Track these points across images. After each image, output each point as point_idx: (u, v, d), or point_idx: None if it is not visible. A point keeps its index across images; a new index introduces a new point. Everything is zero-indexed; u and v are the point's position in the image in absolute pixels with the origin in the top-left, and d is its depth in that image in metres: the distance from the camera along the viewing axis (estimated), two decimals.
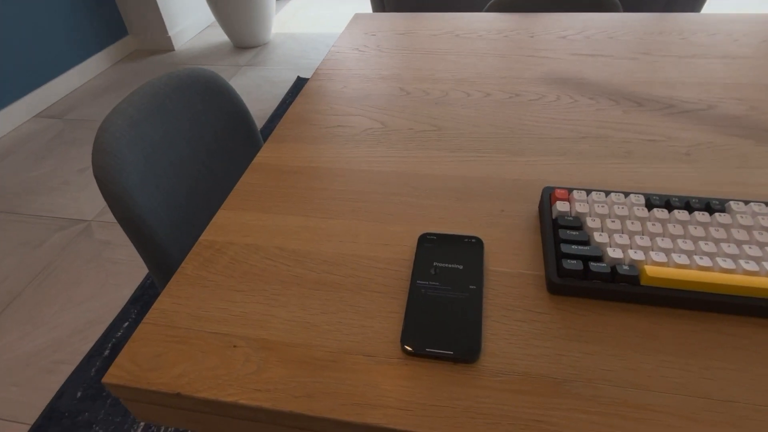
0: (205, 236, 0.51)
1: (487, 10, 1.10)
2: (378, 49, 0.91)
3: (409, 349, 0.37)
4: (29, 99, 2.36)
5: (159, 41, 3.01)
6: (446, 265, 0.44)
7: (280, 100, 2.40)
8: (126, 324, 1.34)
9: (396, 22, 1.04)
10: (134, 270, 1.49)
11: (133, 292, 1.43)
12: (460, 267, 0.43)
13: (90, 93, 2.59)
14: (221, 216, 0.53)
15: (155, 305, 0.43)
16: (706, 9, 3.04)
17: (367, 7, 2.49)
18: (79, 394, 1.18)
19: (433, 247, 0.46)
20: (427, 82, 0.78)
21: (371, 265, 0.46)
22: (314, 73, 0.84)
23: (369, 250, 0.47)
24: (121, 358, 0.39)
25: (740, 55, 0.80)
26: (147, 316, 0.42)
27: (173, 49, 3.02)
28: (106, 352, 1.28)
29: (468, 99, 0.72)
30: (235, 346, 0.39)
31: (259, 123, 2.21)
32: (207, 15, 3.31)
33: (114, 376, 0.37)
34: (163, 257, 0.66)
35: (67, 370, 1.23)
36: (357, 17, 1.08)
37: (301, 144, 0.65)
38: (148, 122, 0.69)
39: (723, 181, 0.53)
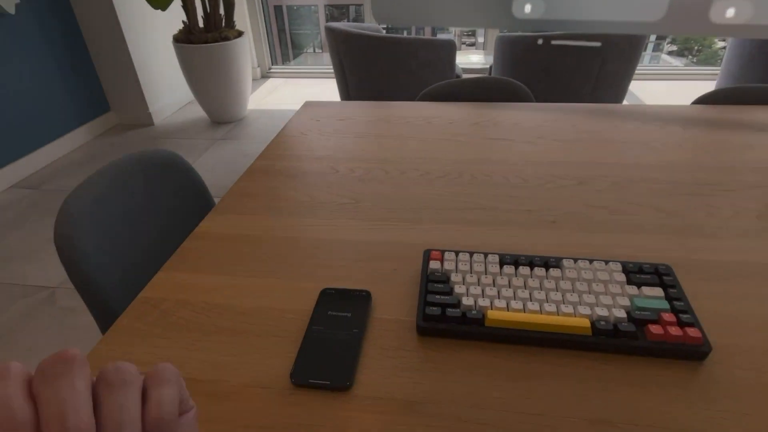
0: (142, 294, 0.60)
1: (419, 100, 1.28)
2: (319, 133, 1.06)
3: (294, 380, 0.46)
4: (8, 170, 2.46)
5: (140, 117, 3.19)
6: (338, 313, 0.54)
7: None
8: None
9: (338, 109, 1.20)
10: (93, 335, 1.53)
11: None
12: (349, 315, 0.53)
13: (69, 165, 2.70)
14: (159, 277, 0.63)
15: (91, 351, 0.52)
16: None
17: (336, 92, 2.73)
18: None
19: (330, 299, 0.56)
20: (355, 161, 0.92)
21: (279, 316, 0.55)
22: (261, 154, 0.97)
23: (279, 303, 0.57)
24: None
25: (619, 140, 0.97)
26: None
27: (153, 124, 3.20)
28: None
29: (386, 176, 0.86)
30: None
31: None
32: (186, 92, 3.54)
33: None
34: (114, 320, 0.74)
35: None
36: (307, 104, 1.25)
37: (239, 215, 0.76)
38: (111, 198, 0.80)
39: (573, 243, 0.66)
